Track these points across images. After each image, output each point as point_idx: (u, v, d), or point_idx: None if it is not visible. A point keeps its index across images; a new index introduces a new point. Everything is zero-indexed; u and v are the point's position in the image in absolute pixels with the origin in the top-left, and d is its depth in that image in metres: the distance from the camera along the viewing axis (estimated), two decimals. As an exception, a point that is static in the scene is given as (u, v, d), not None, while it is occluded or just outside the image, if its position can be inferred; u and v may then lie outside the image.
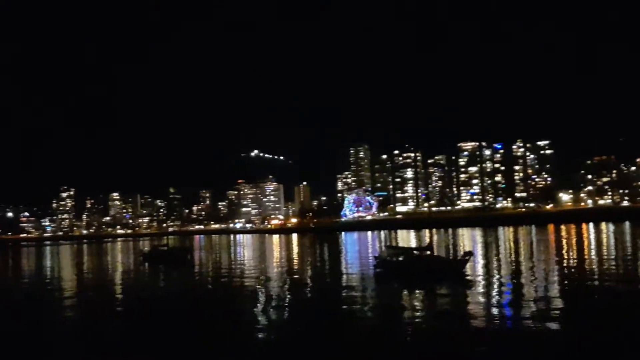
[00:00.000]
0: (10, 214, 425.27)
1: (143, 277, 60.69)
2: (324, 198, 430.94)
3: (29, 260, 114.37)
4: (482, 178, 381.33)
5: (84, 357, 23.49)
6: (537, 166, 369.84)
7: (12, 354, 24.60)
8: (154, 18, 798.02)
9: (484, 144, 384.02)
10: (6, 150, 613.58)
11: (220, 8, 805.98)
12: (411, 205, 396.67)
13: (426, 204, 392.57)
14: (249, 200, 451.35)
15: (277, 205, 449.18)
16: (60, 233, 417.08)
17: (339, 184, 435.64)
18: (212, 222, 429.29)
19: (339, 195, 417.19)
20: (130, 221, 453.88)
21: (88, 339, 27.15)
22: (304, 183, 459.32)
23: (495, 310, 30.08)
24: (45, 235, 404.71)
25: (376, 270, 49.61)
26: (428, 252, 49.72)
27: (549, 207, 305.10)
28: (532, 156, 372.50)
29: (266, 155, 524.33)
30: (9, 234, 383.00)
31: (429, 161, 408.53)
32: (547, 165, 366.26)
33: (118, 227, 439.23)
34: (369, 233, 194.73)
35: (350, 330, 26.29)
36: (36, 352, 24.80)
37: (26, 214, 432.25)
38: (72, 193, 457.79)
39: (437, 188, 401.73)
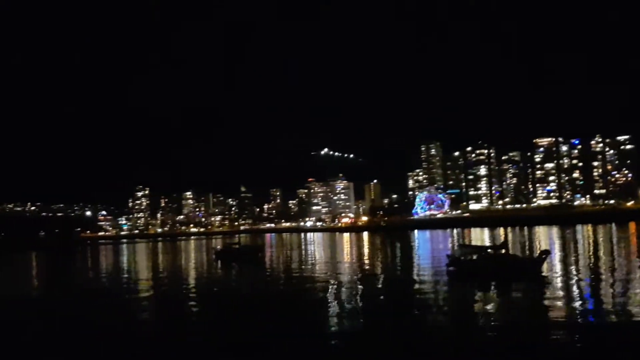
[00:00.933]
0: (89, 213, 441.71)
1: (216, 275, 61.43)
2: (394, 196, 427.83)
3: (106, 257, 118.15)
4: (558, 175, 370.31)
5: (154, 353, 23.68)
6: (616, 162, 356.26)
7: (95, 350, 25.06)
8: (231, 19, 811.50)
9: (560, 139, 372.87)
10: (86, 152, 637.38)
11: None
12: (485, 202, 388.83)
13: (500, 202, 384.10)
14: (319, 198, 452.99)
15: (348, 204, 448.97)
16: (136, 231, 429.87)
17: (410, 182, 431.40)
18: (283, 221, 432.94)
19: (410, 193, 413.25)
20: (203, 220, 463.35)
21: (163, 335, 27.45)
22: (375, 181, 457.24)
23: (573, 311, 28.79)
24: (121, 233, 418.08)
25: (449, 269, 48.46)
26: (503, 251, 48.22)
27: (629, 204, 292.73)
28: (611, 151, 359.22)
29: (336, 153, 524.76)
30: (88, 232, 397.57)
31: (503, 158, 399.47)
32: (628, 161, 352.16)
33: (191, 225, 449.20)
34: (441, 231, 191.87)
35: (423, 331, 25.59)
36: (117, 347, 25.18)
37: (104, 212, 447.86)
38: (147, 192, 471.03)
39: (511, 185, 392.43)
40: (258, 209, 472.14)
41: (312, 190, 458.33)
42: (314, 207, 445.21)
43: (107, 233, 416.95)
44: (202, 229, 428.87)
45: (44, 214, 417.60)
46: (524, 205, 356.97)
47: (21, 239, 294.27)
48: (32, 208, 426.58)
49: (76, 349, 25.28)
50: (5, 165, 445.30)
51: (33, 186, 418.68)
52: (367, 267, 59.97)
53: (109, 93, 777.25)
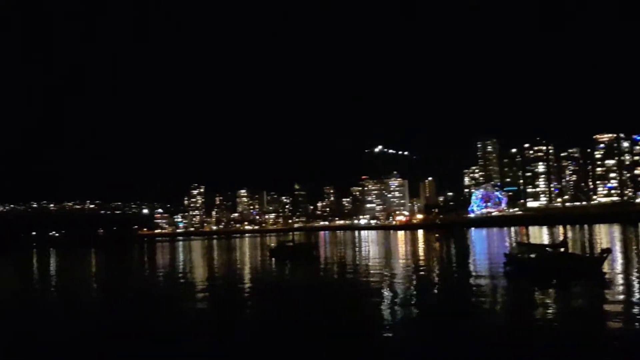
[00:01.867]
0: (145, 211, 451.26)
1: (270, 272, 61.78)
2: (450, 193, 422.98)
3: (163, 254, 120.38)
4: (620, 171, 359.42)
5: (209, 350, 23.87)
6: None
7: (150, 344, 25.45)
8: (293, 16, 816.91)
9: (622, 135, 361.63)
10: (143, 151, 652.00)
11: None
12: (543, 200, 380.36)
13: (559, 199, 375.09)
14: (374, 196, 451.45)
15: (402, 201, 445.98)
16: (192, 229, 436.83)
17: (466, 179, 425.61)
18: (337, 219, 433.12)
19: (466, 190, 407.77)
20: (257, 217, 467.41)
21: (219, 332, 27.69)
22: (430, 178, 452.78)
23: (635, 310, 27.68)
24: (177, 230, 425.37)
25: (506, 268, 47.44)
26: (562, 249, 46.93)
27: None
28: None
29: (390, 150, 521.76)
30: (145, 229, 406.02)
31: (562, 154, 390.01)
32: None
33: (246, 223, 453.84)
34: (498, 230, 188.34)
35: (481, 330, 25.04)
36: (167, 342, 25.51)
37: (160, 210, 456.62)
38: (202, 190, 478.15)
39: (570, 182, 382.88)
40: (312, 207, 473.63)
41: (366, 188, 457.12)
42: (368, 205, 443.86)
43: (163, 230, 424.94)
44: (256, 227, 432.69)
45: (102, 211, 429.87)
46: (584, 203, 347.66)
47: (81, 236, 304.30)
48: (91, 206, 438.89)
49: (143, 347, 25.69)
50: (66, 165, 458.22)
51: (92, 185, 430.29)
52: (422, 265, 59.30)
53: (168, 93, 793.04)
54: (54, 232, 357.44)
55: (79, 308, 39.41)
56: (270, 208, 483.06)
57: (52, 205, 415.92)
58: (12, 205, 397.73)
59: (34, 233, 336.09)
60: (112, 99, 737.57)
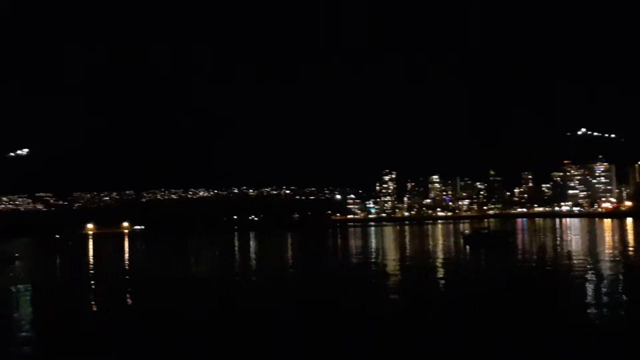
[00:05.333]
0: (338, 197, 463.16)
1: (464, 260, 59.83)
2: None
3: (355, 239, 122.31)
4: None
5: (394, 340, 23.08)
6: None
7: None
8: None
9: None
10: (335, 138, 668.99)
11: None
12: None
13: None
14: (576, 182, 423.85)
15: (609, 188, 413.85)
16: (384, 215, 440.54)
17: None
18: (535, 205, 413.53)
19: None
20: (450, 204, 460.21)
21: (409, 319, 26.85)
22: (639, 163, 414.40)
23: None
24: (369, 216, 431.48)
25: None
26: None
27: None
28: None
29: (595, 133, 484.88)
30: (338, 214, 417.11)
31: None
32: None
33: (438, 209, 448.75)
34: None
35: None
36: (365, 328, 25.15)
37: (352, 196, 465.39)
38: (393, 176, 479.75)
39: None
40: (508, 193, 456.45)
41: (567, 174, 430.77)
42: (570, 191, 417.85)
43: (355, 216, 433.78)
44: (449, 213, 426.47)
45: (297, 197, 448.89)
46: None
47: (277, 220, 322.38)
48: (287, 192, 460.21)
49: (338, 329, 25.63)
50: (263, 153, 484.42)
51: (288, 171, 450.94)
52: (631, 257, 53.68)
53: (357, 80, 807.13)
54: (252, 216, 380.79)
55: (275, 284, 40.80)
56: (464, 194, 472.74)
57: (251, 190, 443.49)
58: (215, 191, 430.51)
59: (235, 217, 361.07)
60: (297, 84, 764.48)
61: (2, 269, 63.38)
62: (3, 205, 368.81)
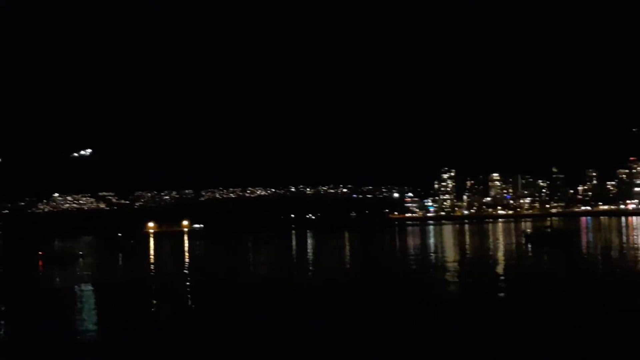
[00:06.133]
0: (396, 195, 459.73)
1: (526, 259, 58.22)
2: None
3: (413, 237, 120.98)
4: None
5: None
6: None
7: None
8: None
9: None
10: (391, 135, 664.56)
11: None
12: None
13: None
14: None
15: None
16: (442, 213, 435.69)
17: None
18: (600, 203, 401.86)
19: None
20: (511, 202, 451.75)
21: (466, 320, 26.02)
22: None
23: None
24: (428, 215, 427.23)
25: None
26: None
27: None
28: None
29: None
30: (396, 213, 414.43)
31: None
32: None
33: (498, 207, 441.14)
34: None
35: None
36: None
37: (410, 194, 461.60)
38: (452, 174, 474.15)
39: None
40: (571, 191, 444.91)
41: (634, 170, 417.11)
42: (636, 189, 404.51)
43: (413, 215, 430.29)
44: (510, 212, 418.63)
45: (354, 195, 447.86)
46: None
47: (335, 219, 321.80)
48: (344, 190, 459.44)
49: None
50: (319, 152, 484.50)
51: (345, 170, 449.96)
52: None
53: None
54: (310, 215, 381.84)
55: (333, 283, 40.45)
56: (525, 192, 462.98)
57: (308, 189, 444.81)
58: (273, 190, 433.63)
59: (292, 215, 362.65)
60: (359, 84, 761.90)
61: (67, 267, 65.10)
62: (68, 205, 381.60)
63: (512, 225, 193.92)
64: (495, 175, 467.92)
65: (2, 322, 31.90)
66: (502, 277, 42.61)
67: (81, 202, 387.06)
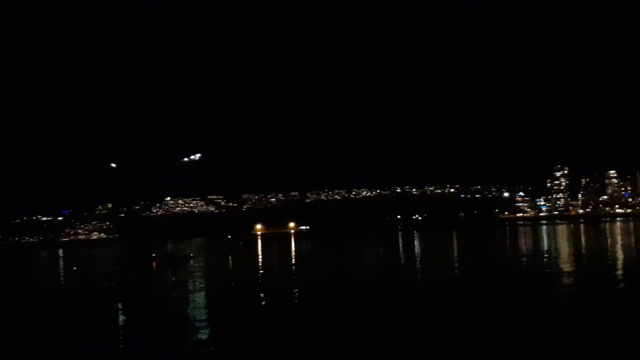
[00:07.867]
0: (506, 194, 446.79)
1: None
2: None
3: (525, 238, 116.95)
4: None
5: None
6: None
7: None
8: None
9: None
10: (504, 133, 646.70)
11: None
12: None
13: None
14: None
15: None
16: (556, 212, 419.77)
17: None
18: None
19: None
20: (630, 200, 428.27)
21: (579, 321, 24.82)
22: None
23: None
24: (540, 214, 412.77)
25: None
26: None
27: None
28: None
29: None
30: (506, 213, 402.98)
31: None
32: None
33: (616, 206, 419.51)
34: None
35: None
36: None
37: (521, 194, 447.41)
38: (566, 172, 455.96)
39: None
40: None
41: None
42: None
43: (525, 214, 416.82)
44: (629, 210, 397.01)
45: (462, 195, 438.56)
46: None
47: (442, 219, 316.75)
48: (451, 190, 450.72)
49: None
50: (428, 151, 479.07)
51: (452, 169, 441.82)
52: None
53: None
54: (416, 216, 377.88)
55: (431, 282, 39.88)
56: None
57: (414, 189, 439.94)
58: (379, 191, 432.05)
59: (398, 216, 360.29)
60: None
61: (179, 268, 67.73)
62: (179, 208, 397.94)
63: (632, 224, 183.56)
64: (612, 173, 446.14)
65: (125, 317, 33.83)
66: (622, 278, 40.32)
67: (192, 205, 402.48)
